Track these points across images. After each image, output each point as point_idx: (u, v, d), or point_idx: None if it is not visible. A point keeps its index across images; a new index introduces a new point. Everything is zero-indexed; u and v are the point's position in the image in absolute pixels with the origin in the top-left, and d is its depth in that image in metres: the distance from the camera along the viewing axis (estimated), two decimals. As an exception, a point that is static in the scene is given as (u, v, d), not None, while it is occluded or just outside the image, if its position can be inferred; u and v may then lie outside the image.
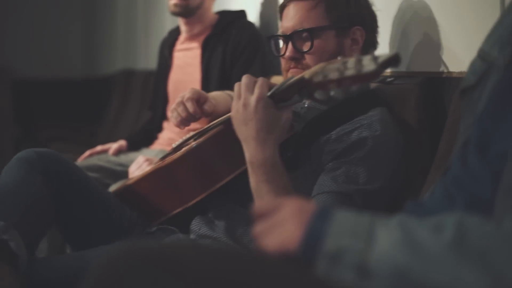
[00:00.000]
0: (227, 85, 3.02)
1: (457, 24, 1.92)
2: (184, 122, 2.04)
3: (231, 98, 2.37)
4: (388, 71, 2.22)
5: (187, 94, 2.03)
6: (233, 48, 3.05)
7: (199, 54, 3.12)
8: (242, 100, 1.63)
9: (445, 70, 1.94)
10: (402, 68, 2.15)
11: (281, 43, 2.02)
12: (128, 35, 6.34)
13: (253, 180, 1.65)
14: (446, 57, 1.95)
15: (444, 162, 1.61)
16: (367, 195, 1.77)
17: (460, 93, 1.28)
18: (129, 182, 2.05)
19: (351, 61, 1.31)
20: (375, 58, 1.26)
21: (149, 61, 3.57)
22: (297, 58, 1.95)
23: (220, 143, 1.87)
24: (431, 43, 2.00)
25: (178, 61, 3.24)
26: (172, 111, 2.05)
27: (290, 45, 1.96)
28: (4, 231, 1.80)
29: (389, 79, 2.16)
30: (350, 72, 1.29)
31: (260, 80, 1.63)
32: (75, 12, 7.91)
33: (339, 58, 1.38)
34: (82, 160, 3.20)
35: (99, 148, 3.26)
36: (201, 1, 3.10)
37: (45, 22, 7.77)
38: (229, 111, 2.09)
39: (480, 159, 1.10)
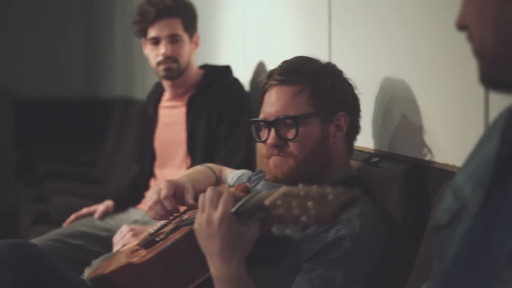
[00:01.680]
0: (213, 144, 2.97)
1: (440, 113, 1.85)
2: (164, 218, 2.02)
3: (212, 172, 2.31)
4: (372, 148, 2.16)
5: (163, 190, 1.98)
6: (218, 108, 2.98)
7: (184, 113, 3.05)
8: (205, 215, 1.55)
9: (429, 158, 1.86)
10: (384, 148, 2.08)
11: (262, 128, 1.95)
12: (126, 63, 6.33)
13: None
14: (429, 143, 1.87)
15: (424, 272, 1.55)
16: None
17: (432, 229, 1.22)
18: (104, 271, 2.01)
19: (312, 195, 1.26)
20: (336, 197, 1.22)
21: (145, 91, 3.58)
22: (280, 146, 1.88)
23: (191, 244, 1.81)
24: (414, 128, 1.92)
25: (163, 118, 3.17)
26: (150, 208, 2.01)
27: (273, 132, 1.88)
28: None
29: (374, 159, 2.08)
30: (310, 213, 1.23)
31: (225, 194, 1.54)
32: (77, 34, 7.91)
33: (300, 185, 1.32)
34: (67, 225, 3.13)
35: (84, 210, 3.18)
36: (188, 60, 3.03)
37: (46, 43, 7.78)
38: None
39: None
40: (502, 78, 0.99)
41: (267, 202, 1.36)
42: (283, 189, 1.36)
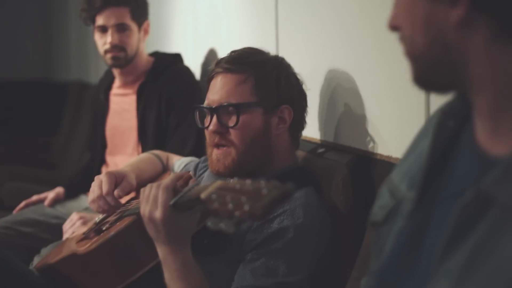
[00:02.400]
0: (164, 132, 2.96)
1: (384, 105, 1.86)
2: (107, 212, 2.02)
3: (159, 160, 2.31)
4: (318, 139, 2.17)
5: (104, 186, 1.97)
6: (168, 96, 2.97)
7: (135, 100, 3.04)
8: (147, 214, 1.57)
9: (374, 150, 1.88)
10: (330, 138, 2.10)
11: (206, 114, 1.95)
12: (81, 47, 6.27)
13: (166, 276, 1.61)
14: (374, 135, 1.89)
15: (366, 265, 1.56)
16: (287, 287, 1.70)
17: (369, 225, 1.23)
18: (51, 260, 2.02)
19: (246, 190, 1.26)
20: (269, 191, 1.22)
21: (100, 75, 3.56)
22: (222, 133, 1.88)
23: (134, 234, 1.83)
24: (358, 120, 1.94)
25: (114, 106, 3.15)
26: (93, 201, 2.01)
27: (214, 119, 1.89)
28: None
29: (320, 150, 2.10)
30: (244, 208, 1.23)
31: (163, 194, 1.55)
32: (32, 16, 7.83)
33: (235, 179, 1.33)
34: (17, 212, 3.10)
35: (34, 198, 3.15)
36: (136, 49, 3.02)
37: (2, 26, 7.68)
38: (156, 176, 2.02)
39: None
40: (433, 79, 1.00)
41: (203, 195, 1.37)
42: (219, 183, 1.37)
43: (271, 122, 1.90)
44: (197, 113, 1.98)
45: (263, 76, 1.89)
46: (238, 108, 1.86)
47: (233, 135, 1.87)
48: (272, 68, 1.92)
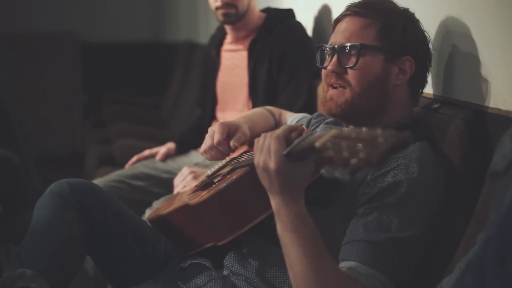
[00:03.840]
0: (275, 88, 2.95)
1: (503, 59, 1.80)
2: (220, 159, 2.03)
3: (271, 115, 2.31)
4: (430, 93, 2.12)
5: (216, 135, 1.98)
6: (280, 52, 2.96)
7: (246, 56, 3.04)
8: (261, 163, 1.57)
9: (492, 105, 1.82)
10: (445, 93, 2.05)
11: (326, 55, 1.96)
12: (190, 7, 6.32)
13: (279, 227, 1.60)
14: (492, 90, 1.83)
15: (483, 221, 1.52)
16: (400, 242, 1.68)
17: (489, 176, 1.19)
18: (163, 212, 2.05)
19: (362, 138, 1.25)
20: (386, 139, 1.20)
21: (209, 35, 3.58)
22: (339, 73, 1.88)
23: (246, 185, 1.83)
24: (476, 74, 1.88)
25: (226, 62, 3.16)
26: (205, 152, 2.02)
27: (335, 58, 1.89)
28: (32, 279, 1.80)
29: (435, 105, 2.05)
30: (359, 155, 1.22)
31: (275, 143, 1.54)
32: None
33: (350, 127, 1.31)
34: (129, 166, 3.17)
35: (146, 152, 3.22)
36: (247, 5, 3.00)
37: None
38: (268, 130, 2.04)
39: (496, 274, 1.01)
40: None
41: (317, 144, 1.35)
42: (334, 131, 1.35)
43: (391, 70, 1.88)
44: (319, 52, 1.99)
45: (389, 23, 1.88)
46: (359, 49, 1.85)
47: (351, 76, 1.87)
48: (400, 17, 1.90)
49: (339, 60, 1.88)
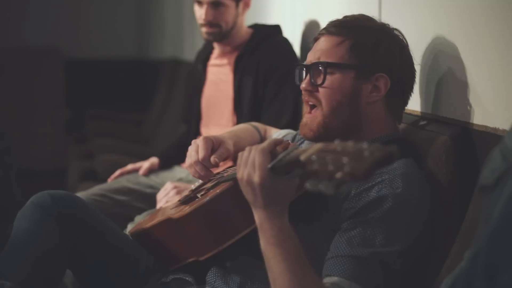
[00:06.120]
0: (260, 103, 2.94)
1: (490, 76, 1.79)
2: (205, 178, 2.00)
3: (257, 131, 2.30)
4: (416, 110, 2.11)
5: (200, 151, 1.96)
6: (265, 67, 2.95)
7: (232, 71, 3.03)
8: (246, 177, 1.55)
9: (479, 122, 1.81)
10: (431, 111, 2.04)
11: (304, 73, 1.97)
12: (176, 24, 6.33)
13: (262, 242, 1.59)
14: (479, 107, 1.82)
15: (469, 239, 1.51)
16: (384, 258, 1.67)
17: (478, 190, 1.18)
18: (145, 226, 2.03)
19: (348, 151, 1.24)
20: (372, 153, 1.20)
21: (194, 52, 3.59)
22: (311, 91, 1.90)
23: (230, 200, 1.82)
24: (462, 91, 1.88)
25: (211, 76, 3.16)
26: (190, 166, 2.00)
27: (307, 76, 1.91)
28: None
29: (421, 122, 2.04)
30: (344, 169, 1.21)
31: (260, 155, 1.53)
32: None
33: (336, 141, 1.30)
34: (112, 180, 3.14)
35: (129, 167, 3.19)
36: (233, 24, 3.00)
37: (98, 3, 7.82)
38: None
39: (487, 288, 1.00)
40: None
41: (302, 157, 1.34)
42: (319, 145, 1.34)
43: (363, 88, 1.88)
44: (297, 71, 1.99)
45: (361, 40, 1.88)
46: (326, 67, 1.87)
47: (321, 94, 1.88)
48: (372, 34, 1.89)
49: (310, 78, 1.90)
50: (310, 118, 1.90)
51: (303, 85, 1.92)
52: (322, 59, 1.89)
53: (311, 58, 1.93)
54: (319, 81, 1.87)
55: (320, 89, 1.88)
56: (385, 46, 1.89)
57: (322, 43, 1.92)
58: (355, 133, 1.88)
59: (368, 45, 1.88)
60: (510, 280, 0.96)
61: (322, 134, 1.86)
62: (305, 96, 1.92)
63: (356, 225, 1.70)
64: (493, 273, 0.99)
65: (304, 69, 1.94)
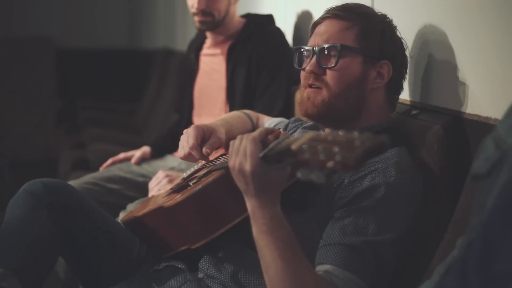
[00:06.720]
0: (252, 93, 2.94)
1: (482, 65, 1.80)
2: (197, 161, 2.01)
3: (249, 119, 2.30)
4: (408, 100, 2.12)
5: (190, 140, 1.95)
6: (258, 57, 2.95)
7: (224, 61, 3.03)
8: (237, 165, 1.54)
9: (470, 111, 1.82)
10: (424, 100, 2.05)
11: (305, 57, 1.96)
12: (168, 14, 6.32)
13: (254, 230, 1.58)
14: (471, 96, 1.83)
15: (462, 228, 1.52)
16: (376, 246, 1.67)
17: (471, 179, 1.18)
18: (137, 214, 2.03)
19: (339, 141, 1.24)
20: (363, 142, 1.20)
21: (186, 42, 3.58)
22: (318, 74, 1.89)
23: (222, 188, 1.82)
24: (455, 80, 1.88)
25: (204, 66, 3.16)
26: (184, 157, 2.00)
27: (314, 59, 1.90)
28: (3, 278, 1.77)
29: (413, 112, 2.05)
30: (335, 158, 1.21)
31: (251, 144, 1.53)
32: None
33: (327, 130, 1.30)
34: (104, 169, 3.14)
35: (121, 155, 3.19)
36: (225, 13, 3.00)
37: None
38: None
39: (480, 278, 1.00)
40: None
41: (293, 146, 1.34)
42: (310, 134, 1.34)
43: (369, 73, 1.89)
44: (297, 54, 1.99)
45: (368, 27, 1.90)
46: (339, 50, 1.87)
47: (329, 77, 1.88)
48: (378, 22, 1.92)
49: (318, 61, 1.89)
50: (314, 92, 1.89)
51: (309, 67, 1.90)
52: (332, 42, 1.88)
53: (317, 40, 1.92)
54: (330, 64, 1.87)
55: (329, 72, 1.88)
56: (390, 34, 1.92)
57: (328, 27, 1.92)
58: (356, 118, 1.90)
59: (375, 32, 1.89)
60: (503, 269, 0.96)
61: (325, 113, 1.87)
62: (308, 79, 1.91)
63: (349, 213, 1.71)
64: (486, 262, 0.99)
65: (308, 52, 1.93)
